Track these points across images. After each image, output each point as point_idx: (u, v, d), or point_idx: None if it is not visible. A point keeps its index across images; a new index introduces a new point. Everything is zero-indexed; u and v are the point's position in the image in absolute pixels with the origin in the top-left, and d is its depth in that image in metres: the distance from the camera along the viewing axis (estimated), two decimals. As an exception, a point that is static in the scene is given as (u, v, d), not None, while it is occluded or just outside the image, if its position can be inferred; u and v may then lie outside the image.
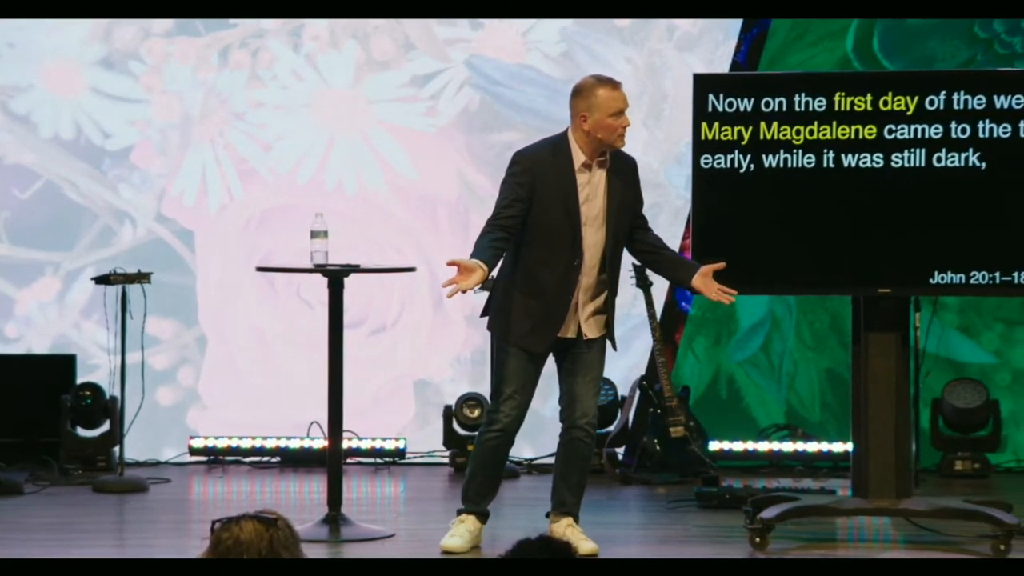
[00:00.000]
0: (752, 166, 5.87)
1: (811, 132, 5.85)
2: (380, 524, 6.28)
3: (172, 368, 7.83)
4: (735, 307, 7.70)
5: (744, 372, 7.73)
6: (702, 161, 5.89)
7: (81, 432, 7.47)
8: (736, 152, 5.87)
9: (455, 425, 7.59)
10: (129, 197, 7.81)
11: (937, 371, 7.46)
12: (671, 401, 7.32)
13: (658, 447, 7.32)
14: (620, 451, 7.48)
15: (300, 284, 7.77)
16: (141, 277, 7.18)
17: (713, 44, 7.72)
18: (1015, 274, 5.79)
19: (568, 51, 7.74)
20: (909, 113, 5.83)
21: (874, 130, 5.83)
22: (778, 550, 5.77)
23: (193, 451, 7.70)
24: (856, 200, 5.84)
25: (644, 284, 7.33)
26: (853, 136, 5.84)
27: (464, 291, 5.47)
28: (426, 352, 7.81)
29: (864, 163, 5.85)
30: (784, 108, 5.86)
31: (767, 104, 5.86)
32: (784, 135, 5.86)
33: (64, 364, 7.70)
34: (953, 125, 5.81)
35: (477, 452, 5.83)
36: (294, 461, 7.64)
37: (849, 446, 6.18)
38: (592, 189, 5.68)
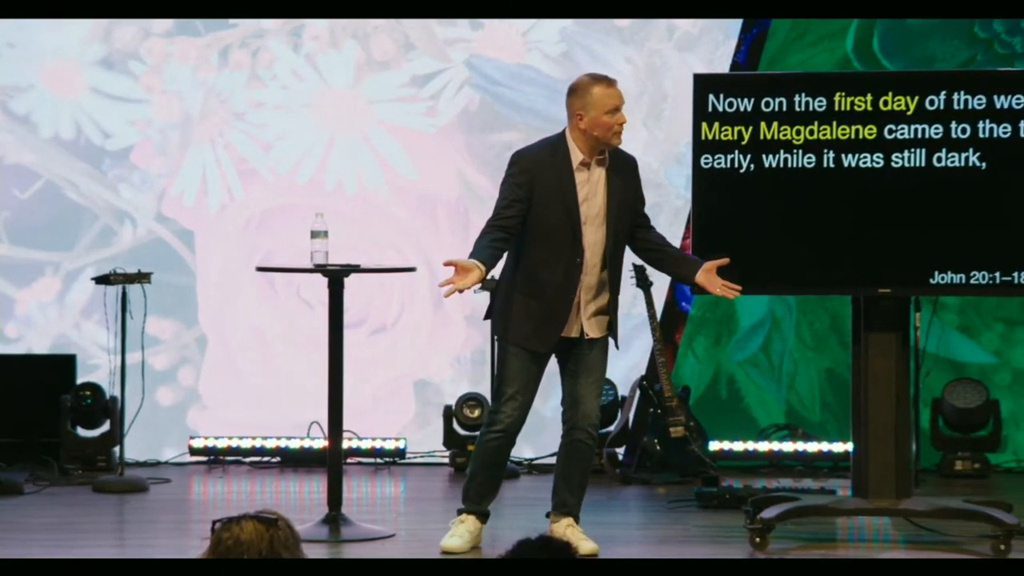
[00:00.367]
0: (752, 166, 5.87)
1: (811, 132, 5.85)
2: (380, 524, 6.28)
3: (172, 368, 7.83)
4: (735, 307, 7.71)
5: (744, 372, 7.73)
6: (702, 161, 5.89)
7: (81, 432, 7.47)
8: (736, 152, 5.87)
9: (455, 425, 7.59)
10: (129, 197, 7.81)
11: (937, 371, 7.45)
12: (671, 401, 7.32)
13: (658, 447, 7.32)
14: (620, 451, 7.48)
15: (300, 284, 7.77)
16: (141, 277, 7.18)
17: (713, 44, 7.72)
18: (1015, 274, 5.79)
19: (568, 51, 7.74)
20: (909, 113, 5.83)
21: (874, 130, 5.83)
22: (778, 550, 5.77)
23: (193, 451, 7.70)
24: (856, 200, 5.84)
25: (644, 284, 7.33)
26: (853, 136, 5.84)
27: (461, 291, 5.47)
28: (426, 352, 7.81)
29: (864, 163, 5.85)
30: (784, 108, 5.86)
31: (767, 104, 5.86)
32: (784, 135, 5.86)
33: (64, 364, 7.70)
34: (953, 125, 5.81)
35: (478, 452, 5.83)
36: (294, 461, 7.64)
37: (849, 446, 6.18)
38: (592, 187, 5.68)
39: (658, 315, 7.40)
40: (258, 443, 7.68)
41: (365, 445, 7.65)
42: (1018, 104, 5.78)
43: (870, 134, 5.83)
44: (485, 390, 7.48)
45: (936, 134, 5.82)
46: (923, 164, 5.83)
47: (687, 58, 7.69)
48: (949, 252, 5.82)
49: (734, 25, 7.67)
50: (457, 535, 5.79)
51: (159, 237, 7.81)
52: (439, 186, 7.78)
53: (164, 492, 7.10)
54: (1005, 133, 5.80)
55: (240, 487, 7.28)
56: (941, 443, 7.49)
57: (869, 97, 5.84)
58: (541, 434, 7.47)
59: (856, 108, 5.84)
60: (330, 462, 6.17)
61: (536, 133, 7.30)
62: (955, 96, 5.82)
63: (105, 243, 7.82)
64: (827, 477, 7.31)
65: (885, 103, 5.84)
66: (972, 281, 5.81)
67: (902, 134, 5.83)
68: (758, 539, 5.77)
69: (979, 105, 5.81)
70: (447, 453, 7.62)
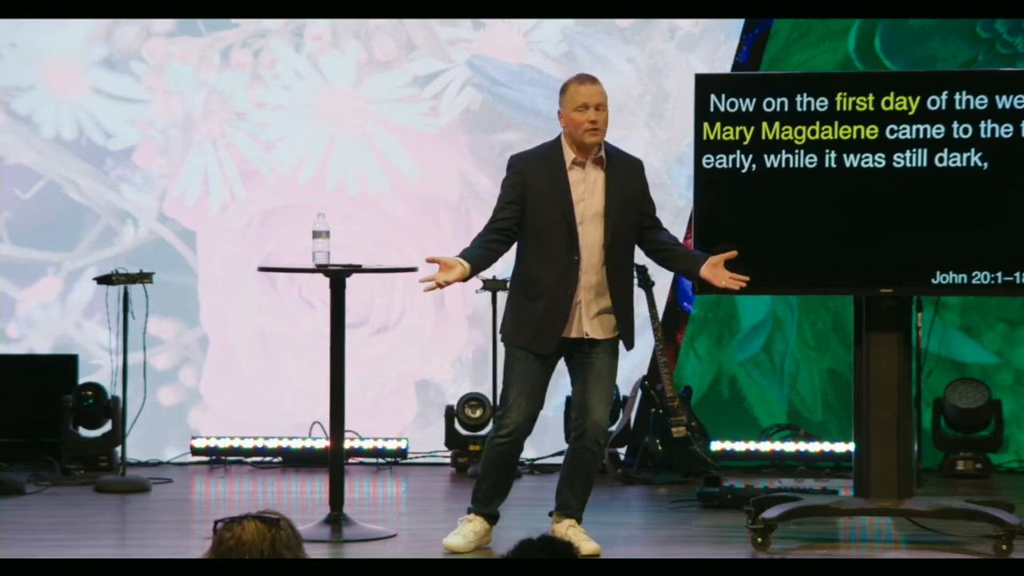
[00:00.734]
0: (754, 166, 5.87)
1: (813, 132, 5.85)
2: (382, 524, 6.29)
3: (174, 368, 7.83)
4: (737, 307, 7.70)
5: (746, 372, 7.73)
6: (704, 161, 5.89)
7: (83, 432, 7.47)
8: (738, 152, 5.87)
9: (457, 425, 7.59)
10: (131, 197, 7.82)
11: (939, 371, 7.45)
12: (673, 401, 7.32)
13: (660, 447, 7.32)
14: (622, 451, 7.48)
15: (302, 284, 7.78)
16: (143, 277, 7.18)
17: (715, 44, 7.71)
18: (1017, 274, 5.79)
19: (570, 51, 7.74)
20: (911, 113, 5.82)
21: (876, 130, 5.83)
22: (780, 550, 5.77)
23: (195, 451, 7.70)
24: (858, 200, 5.84)
25: (646, 284, 7.32)
26: (855, 136, 5.84)
27: (441, 285, 5.52)
28: (428, 352, 7.81)
29: (866, 163, 5.85)
30: (786, 108, 5.86)
31: (769, 104, 5.86)
32: (786, 135, 5.86)
33: (66, 364, 7.70)
34: (955, 125, 5.81)
35: (486, 456, 5.83)
36: (296, 461, 7.64)
37: (851, 446, 6.18)
38: (588, 187, 5.69)
39: (660, 315, 7.40)
40: (260, 443, 7.68)
41: (367, 445, 7.65)
42: (1020, 104, 5.78)
43: (872, 134, 5.83)
44: (487, 390, 7.49)
45: (938, 134, 5.82)
46: (925, 164, 5.82)
47: (689, 58, 7.69)
48: (951, 252, 5.81)
49: (736, 25, 7.67)
50: (461, 534, 5.79)
51: (161, 237, 7.82)
52: (441, 186, 7.78)
53: (166, 492, 7.10)
54: (1007, 133, 5.79)
55: (242, 487, 7.28)
56: (943, 443, 7.48)
57: (871, 97, 5.84)
58: (543, 434, 7.47)
59: (858, 108, 5.84)
60: (332, 462, 6.17)
61: (537, 133, 7.32)
62: (957, 96, 5.82)
63: (107, 243, 7.82)
64: (829, 477, 7.30)
65: (887, 103, 5.83)
66: (974, 281, 5.81)
67: (904, 134, 5.83)
68: (760, 539, 5.76)
69: (981, 105, 5.80)
70: (449, 453, 7.62)
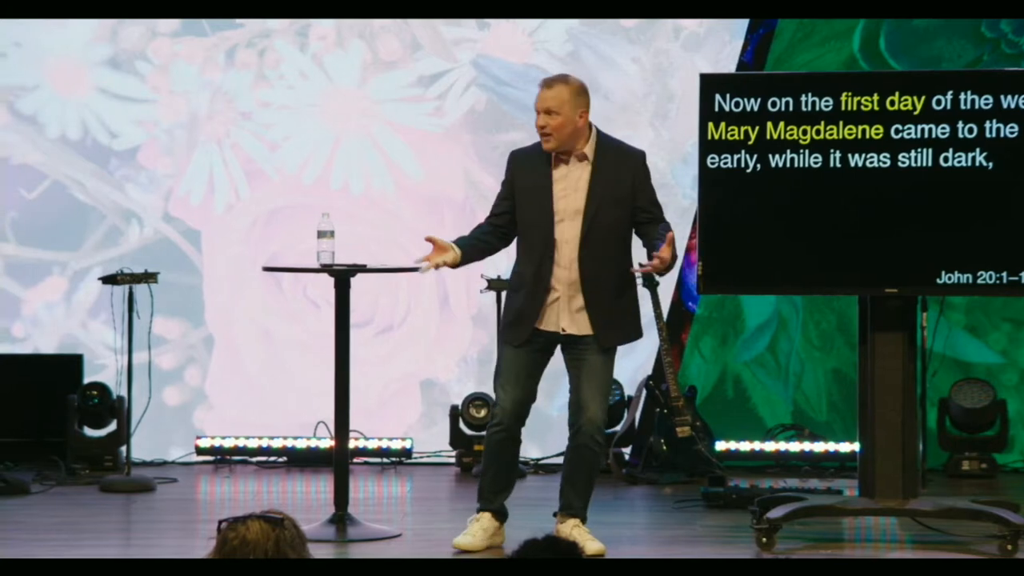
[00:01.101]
0: (759, 166, 5.87)
1: (818, 132, 5.85)
2: (387, 524, 6.29)
3: (179, 368, 7.84)
4: (742, 307, 7.70)
5: (751, 372, 7.73)
6: (709, 161, 5.89)
7: (88, 432, 7.47)
8: (743, 152, 5.87)
9: (462, 425, 7.59)
10: (136, 197, 7.82)
11: (944, 371, 7.45)
12: (677, 401, 7.31)
13: (664, 447, 7.31)
14: (626, 451, 7.48)
15: (307, 284, 7.78)
16: (148, 277, 7.18)
17: (719, 44, 7.71)
18: (1022, 274, 5.78)
19: (575, 51, 7.74)
20: (916, 113, 5.82)
21: (881, 130, 5.83)
22: (785, 550, 5.77)
23: (200, 451, 7.71)
24: (863, 200, 5.83)
25: (650, 284, 7.32)
26: (860, 136, 5.83)
27: (437, 267, 5.67)
28: (432, 352, 7.81)
29: (871, 163, 5.84)
30: (791, 108, 5.85)
31: (774, 104, 5.86)
32: (791, 135, 5.86)
33: (71, 364, 7.71)
34: (960, 125, 5.81)
35: (485, 449, 5.90)
36: (301, 461, 7.65)
37: (856, 446, 6.17)
38: (571, 184, 5.71)
39: (664, 315, 7.39)
40: (264, 443, 7.68)
41: (371, 445, 7.65)
42: (1025, 104, 5.78)
43: (877, 134, 5.83)
44: (491, 390, 7.48)
45: (943, 134, 5.81)
46: (930, 164, 5.82)
47: (693, 58, 7.69)
48: (956, 252, 5.81)
49: (740, 25, 7.67)
50: (470, 533, 5.80)
51: (166, 237, 7.82)
52: (445, 186, 7.78)
53: (171, 492, 7.10)
54: (1012, 133, 5.79)
55: (246, 487, 7.28)
56: (948, 443, 7.48)
57: (876, 97, 5.83)
58: (547, 434, 7.47)
59: (863, 108, 5.83)
60: (336, 462, 6.17)
61: (542, 133, 7.30)
62: (962, 96, 5.81)
63: (112, 243, 7.82)
64: (834, 477, 7.29)
65: (892, 103, 5.83)
66: (979, 281, 5.80)
67: (909, 134, 5.82)
68: (765, 539, 5.76)
69: (986, 105, 5.80)
70: (453, 453, 7.62)
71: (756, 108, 5.86)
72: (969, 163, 5.81)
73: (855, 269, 5.85)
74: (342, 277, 6.13)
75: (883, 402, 5.86)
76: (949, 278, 5.81)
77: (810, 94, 5.85)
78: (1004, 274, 5.79)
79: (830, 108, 5.84)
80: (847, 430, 7.49)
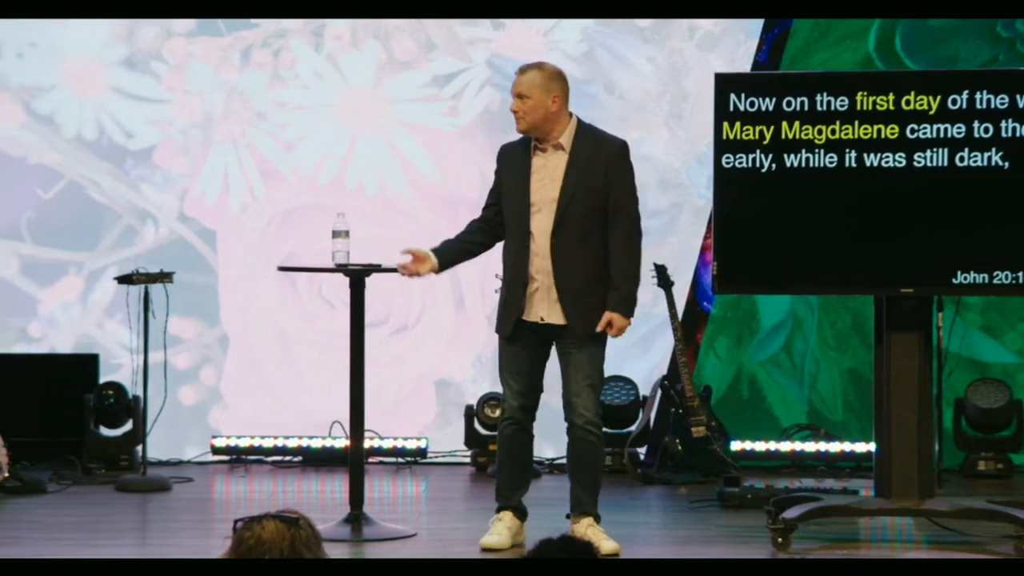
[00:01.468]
0: (774, 166, 5.86)
1: (833, 132, 5.84)
2: (402, 523, 6.29)
3: (194, 367, 7.85)
4: (757, 307, 7.69)
5: (766, 372, 7.72)
6: (724, 161, 5.88)
7: (104, 431, 7.49)
8: (758, 152, 5.86)
9: (476, 425, 7.59)
10: (151, 197, 7.83)
11: (960, 371, 7.43)
12: (693, 401, 7.31)
13: (680, 447, 7.31)
14: (642, 451, 7.47)
15: (322, 284, 7.78)
16: (163, 277, 7.20)
17: (734, 43, 7.70)
18: (1038, 274, 5.77)
19: (589, 51, 7.74)
20: (932, 112, 5.81)
21: (896, 129, 5.82)
22: (800, 550, 5.76)
23: (215, 450, 7.72)
24: (878, 200, 5.82)
25: (666, 283, 7.32)
26: (875, 136, 5.82)
27: (410, 275, 5.80)
28: (447, 352, 7.82)
29: (886, 162, 5.83)
30: (806, 107, 5.84)
31: (789, 104, 5.85)
32: (806, 135, 5.85)
33: (87, 363, 7.72)
34: (976, 124, 5.80)
35: (498, 445, 5.95)
36: (316, 460, 7.65)
37: (871, 446, 6.16)
38: (548, 173, 5.75)
39: (679, 315, 7.39)
40: (280, 442, 7.69)
41: (387, 445, 7.66)
42: (1041, 103, 5.76)
43: (892, 133, 5.82)
44: (506, 390, 7.48)
45: (959, 133, 5.80)
46: (945, 164, 5.81)
47: (708, 57, 7.68)
48: (972, 252, 5.80)
49: (755, 24, 7.65)
50: (496, 532, 5.82)
51: (181, 237, 7.83)
52: (460, 186, 7.78)
53: (186, 491, 7.11)
54: (1028, 132, 5.77)
55: (262, 486, 7.29)
56: (964, 443, 7.46)
57: (891, 96, 5.82)
58: (561, 433, 7.42)
59: (878, 107, 5.82)
60: (352, 461, 6.18)
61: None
62: (978, 95, 5.80)
63: (127, 243, 7.84)
64: (849, 477, 7.28)
65: (907, 102, 5.82)
66: (995, 281, 5.79)
67: (924, 133, 5.81)
68: (780, 539, 5.75)
69: (1002, 104, 5.78)
70: (468, 453, 7.62)
71: (771, 108, 5.85)
72: (985, 163, 5.80)
73: (870, 269, 5.84)
74: (357, 277, 6.13)
75: (899, 402, 5.85)
76: (965, 278, 5.80)
77: (825, 94, 5.84)
78: (1020, 274, 5.78)
79: (845, 108, 5.83)
80: (863, 430, 7.47)
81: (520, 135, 5.84)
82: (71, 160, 7.83)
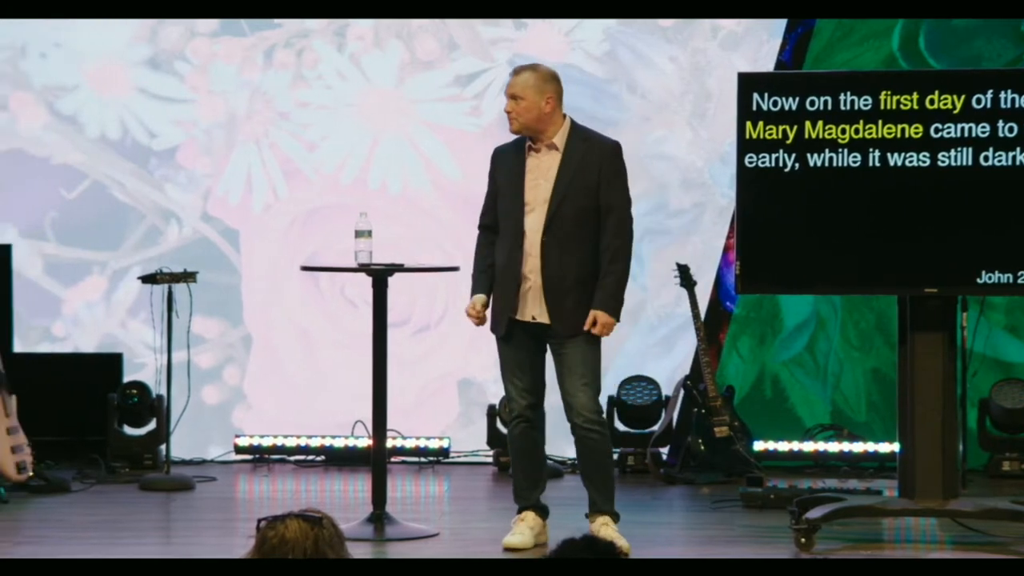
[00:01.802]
0: (797, 165, 5.85)
1: (856, 131, 5.82)
2: (424, 523, 6.29)
3: (217, 367, 7.87)
4: (780, 307, 7.68)
5: (789, 372, 7.70)
6: (747, 160, 5.87)
7: (128, 430, 7.51)
8: (781, 151, 5.85)
9: (499, 424, 7.59)
10: (175, 197, 7.85)
11: (984, 371, 7.40)
12: (715, 401, 7.30)
13: (702, 447, 7.30)
14: (664, 451, 7.46)
15: (344, 283, 7.79)
16: (187, 276, 7.21)
17: (757, 43, 7.68)
18: (1063, 274, 5.75)
19: (612, 50, 7.73)
20: (956, 112, 5.79)
21: (920, 129, 5.80)
22: (824, 551, 5.75)
23: (238, 450, 7.73)
24: (902, 199, 5.81)
25: (688, 283, 7.31)
26: (899, 135, 5.81)
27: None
28: (470, 351, 7.81)
29: (910, 162, 5.81)
30: (830, 107, 5.83)
31: (812, 103, 5.84)
32: (829, 134, 5.83)
33: (111, 363, 7.74)
34: (1000, 124, 5.77)
35: (509, 446, 5.98)
36: (339, 460, 7.66)
37: (895, 446, 6.14)
38: (542, 173, 5.78)
39: (702, 314, 7.38)
40: (303, 442, 7.70)
41: (409, 444, 7.66)
42: (1066, 102, 5.74)
43: (916, 133, 5.80)
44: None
45: (983, 133, 5.78)
46: (970, 163, 5.79)
47: (731, 57, 7.66)
48: (996, 251, 5.77)
49: (779, 24, 7.64)
50: (518, 532, 5.82)
51: (204, 236, 7.85)
52: (483, 186, 7.76)
53: (210, 490, 7.13)
54: (1053, 131, 5.75)
55: (285, 486, 7.30)
56: (988, 443, 7.43)
57: (915, 96, 5.81)
58: (585, 434, 7.45)
59: (902, 107, 5.81)
60: (374, 461, 6.18)
61: (580, 132, 7.29)
62: (1002, 95, 5.78)
63: (151, 242, 7.86)
64: (873, 477, 7.26)
65: (931, 102, 5.80)
66: (1019, 280, 5.77)
67: (949, 133, 5.79)
68: (803, 539, 5.74)
69: (1026, 104, 5.76)
70: (491, 452, 7.62)
71: (794, 107, 5.84)
72: (1009, 162, 5.77)
73: (894, 269, 5.82)
74: (380, 277, 6.14)
75: (923, 402, 5.83)
76: (989, 278, 5.78)
77: (849, 93, 5.83)
78: (1045, 274, 5.75)
79: (869, 107, 5.82)
80: (886, 430, 7.45)
81: (514, 136, 5.85)
82: (95, 160, 7.85)
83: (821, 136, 5.83)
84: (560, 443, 7.06)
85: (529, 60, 7.78)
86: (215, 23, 7.79)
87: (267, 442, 7.71)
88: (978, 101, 5.79)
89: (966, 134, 5.78)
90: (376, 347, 6.14)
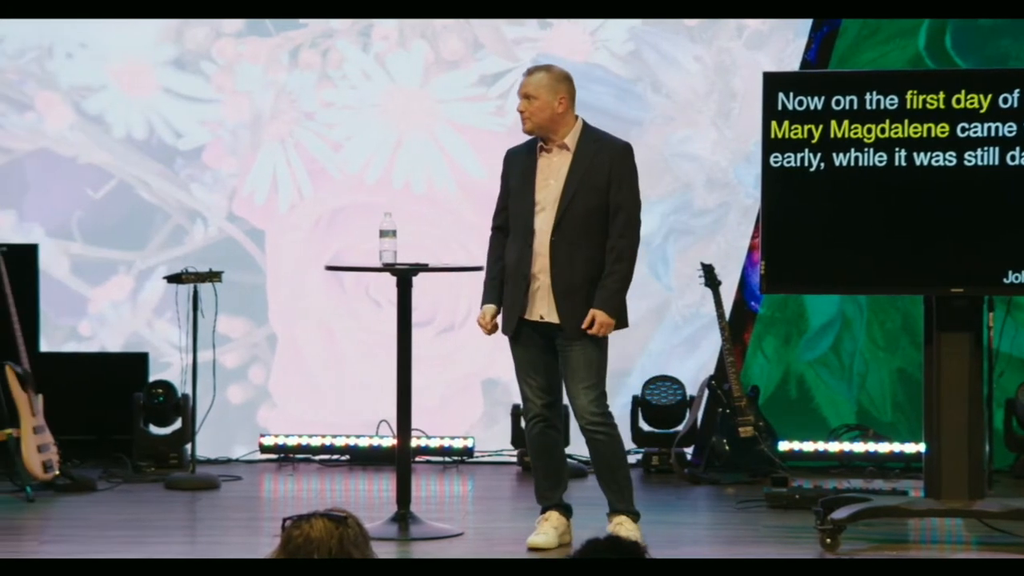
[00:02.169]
0: (822, 165, 5.84)
1: (882, 130, 5.81)
2: (449, 523, 6.30)
3: (243, 366, 7.88)
4: (805, 307, 7.66)
5: (814, 372, 7.68)
6: (772, 160, 5.86)
7: (153, 430, 7.54)
8: (806, 151, 5.84)
9: (522, 424, 7.56)
10: (201, 196, 7.87)
11: (1011, 371, 7.38)
12: (740, 401, 7.29)
13: (727, 447, 7.29)
14: (689, 451, 7.45)
15: (369, 283, 7.80)
16: (212, 276, 7.23)
17: (783, 42, 7.67)
18: (1090, 274, 5.72)
19: (636, 50, 7.73)
20: (982, 111, 5.77)
21: (947, 128, 5.78)
22: (849, 551, 5.74)
23: (263, 449, 7.75)
24: (928, 199, 5.79)
25: (713, 283, 7.30)
26: (925, 134, 5.79)
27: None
28: (494, 351, 7.80)
29: (936, 162, 5.80)
30: (855, 106, 5.81)
31: (838, 102, 5.82)
32: (855, 133, 5.82)
33: (137, 362, 7.77)
34: (1027, 123, 5.75)
35: (528, 447, 5.98)
36: (363, 459, 7.67)
37: (921, 447, 6.13)
38: (552, 173, 5.78)
39: (727, 314, 7.37)
40: (327, 441, 7.72)
41: (433, 444, 7.67)
42: (1093, 101, 5.71)
43: (943, 132, 5.78)
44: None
45: (1009, 132, 5.76)
46: (996, 163, 5.77)
47: (756, 56, 7.65)
48: (1023, 251, 5.75)
49: (804, 23, 7.62)
50: (542, 532, 5.83)
51: (230, 236, 7.87)
52: (507, 185, 7.77)
53: (235, 489, 7.15)
54: (1080, 131, 5.72)
55: (310, 485, 7.32)
56: (1015, 444, 7.41)
57: (942, 95, 5.79)
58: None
59: (928, 106, 5.79)
60: (399, 460, 6.19)
61: (605, 132, 7.29)
62: (1029, 94, 5.75)
63: (177, 242, 7.88)
64: (898, 478, 7.24)
65: (958, 101, 5.78)
66: (1046, 281, 5.74)
67: (975, 132, 5.77)
68: (829, 540, 5.73)
69: (1054, 103, 5.74)
70: (515, 452, 7.62)
71: (820, 107, 5.83)
72: (1036, 161, 5.75)
73: (920, 269, 5.81)
74: (404, 276, 6.15)
75: (949, 403, 5.81)
76: (1016, 277, 5.76)
77: (875, 92, 5.81)
78: (1072, 274, 5.73)
79: (895, 106, 5.80)
80: (912, 431, 7.43)
81: (527, 136, 5.85)
82: (121, 160, 7.88)
83: (847, 136, 5.82)
84: (583, 442, 7.05)
85: (554, 60, 7.81)
86: (240, 23, 7.81)
87: (292, 441, 7.73)
88: (1005, 100, 5.76)
89: (993, 134, 5.76)
90: (400, 347, 6.14)
